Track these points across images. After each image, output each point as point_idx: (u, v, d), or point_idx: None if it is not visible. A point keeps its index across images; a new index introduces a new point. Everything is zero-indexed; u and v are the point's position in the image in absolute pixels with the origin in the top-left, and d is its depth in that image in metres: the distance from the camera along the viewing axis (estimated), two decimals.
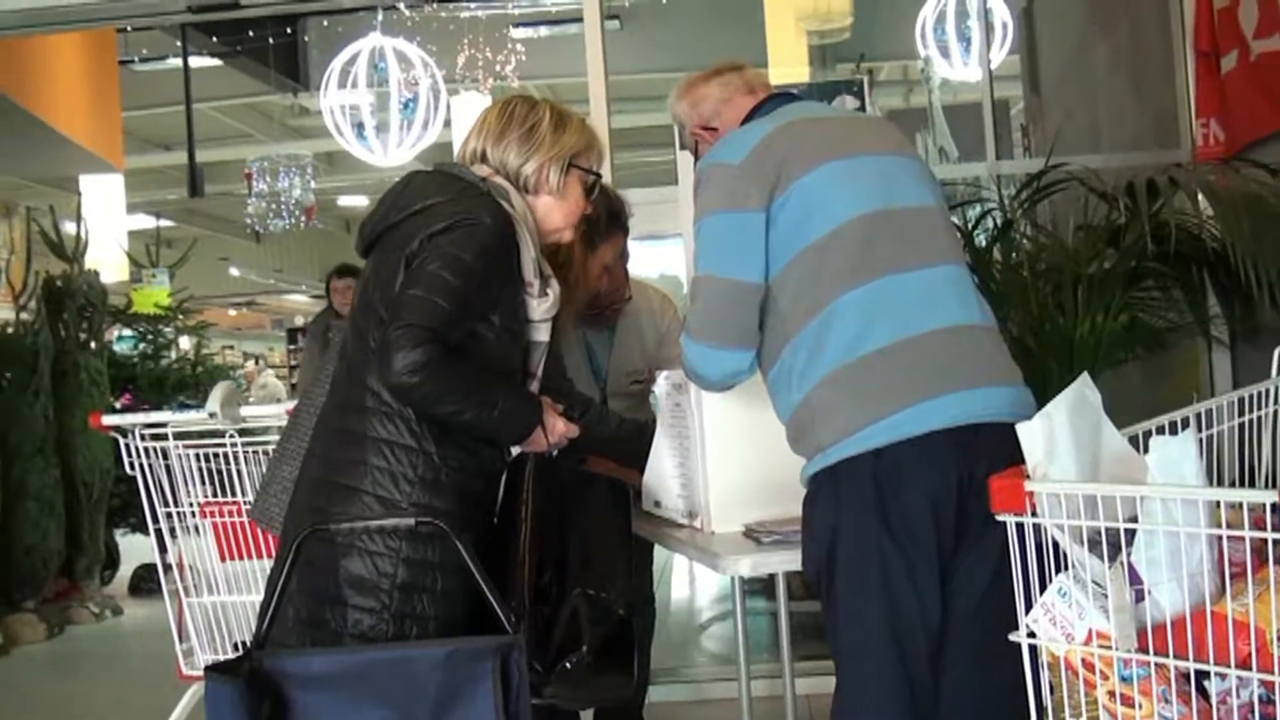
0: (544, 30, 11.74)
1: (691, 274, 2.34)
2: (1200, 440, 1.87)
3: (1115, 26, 5.63)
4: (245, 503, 3.36)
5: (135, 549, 7.79)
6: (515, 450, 2.32)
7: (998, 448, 1.91)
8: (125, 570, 7.84)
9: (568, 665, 2.25)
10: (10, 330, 6.83)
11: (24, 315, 6.94)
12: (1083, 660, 1.59)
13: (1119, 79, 5.60)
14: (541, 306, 2.32)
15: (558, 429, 2.29)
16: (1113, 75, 5.67)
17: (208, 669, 1.88)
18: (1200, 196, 3.92)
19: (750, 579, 5.67)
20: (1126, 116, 5.52)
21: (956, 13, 8.63)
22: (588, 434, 2.48)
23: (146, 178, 16.37)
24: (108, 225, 11.41)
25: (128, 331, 8.71)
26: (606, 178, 4.70)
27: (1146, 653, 1.54)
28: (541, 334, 2.35)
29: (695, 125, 2.49)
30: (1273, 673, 1.45)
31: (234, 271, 23.45)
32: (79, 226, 7.52)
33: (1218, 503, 1.54)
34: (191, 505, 3.50)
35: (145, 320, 8.47)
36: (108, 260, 10.53)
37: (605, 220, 3.12)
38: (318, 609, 2.14)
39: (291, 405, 2.85)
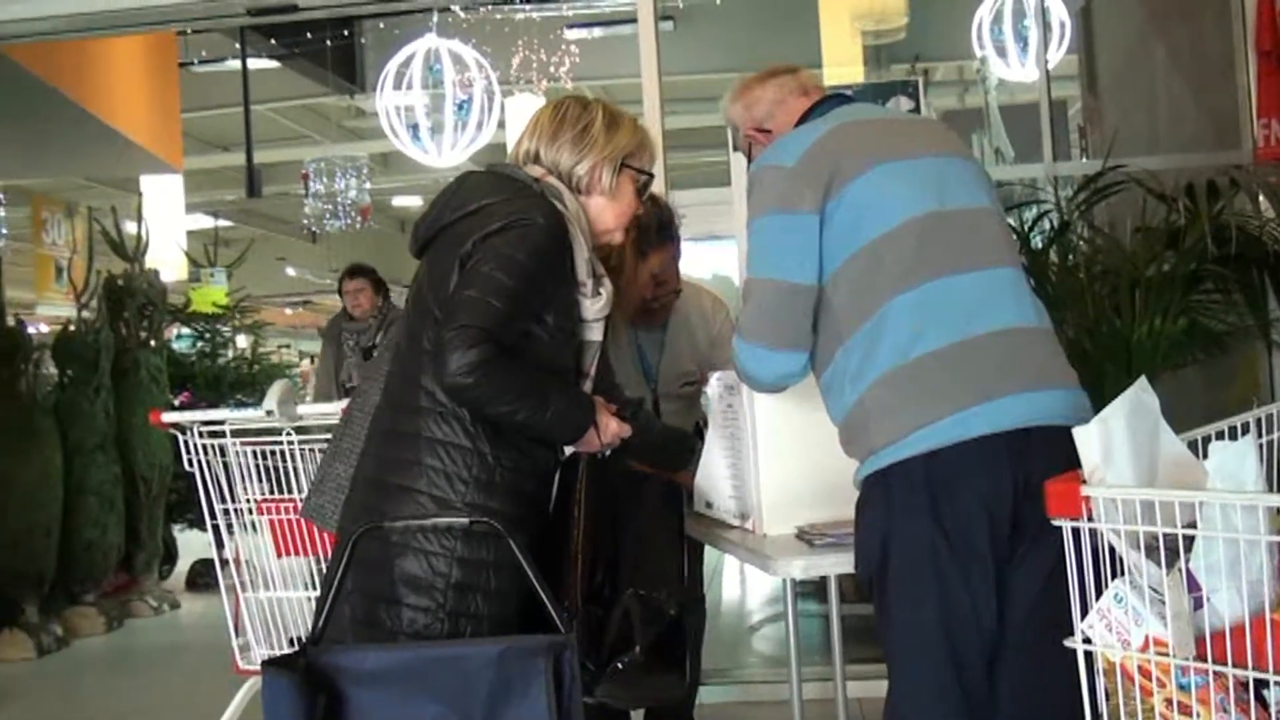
0: (598, 31, 11.77)
1: (744, 276, 2.34)
2: (1260, 445, 1.85)
3: (1175, 26, 5.56)
4: (300, 500, 3.40)
5: (193, 544, 7.91)
6: (569, 450, 2.33)
7: (1053, 452, 1.90)
8: (183, 565, 7.97)
9: (619, 665, 2.25)
10: (72, 328, 6.94)
11: (85, 314, 7.05)
12: (1139, 667, 1.58)
13: (1178, 79, 5.53)
14: (594, 306, 2.33)
15: (610, 429, 2.30)
16: (1172, 75, 5.60)
17: (264, 663, 1.91)
18: (1261, 198, 3.86)
19: (802, 581, 5.68)
20: (1186, 117, 5.45)
21: (1013, 12, 8.54)
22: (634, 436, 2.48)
23: (205, 178, 16.58)
24: (167, 225, 11.58)
25: (186, 330, 8.83)
26: (659, 179, 4.74)
27: (1204, 660, 1.52)
28: (594, 333, 2.35)
29: (749, 127, 2.49)
30: None
31: (290, 271, 23.68)
32: (139, 226, 7.63)
33: (1278, 509, 1.52)
34: (248, 502, 3.55)
35: (203, 319, 8.58)
36: (167, 260, 10.69)
37: (656, 229, 3.16)
38: (373, 608, 2.16)
39: (346, 404, 2.88)
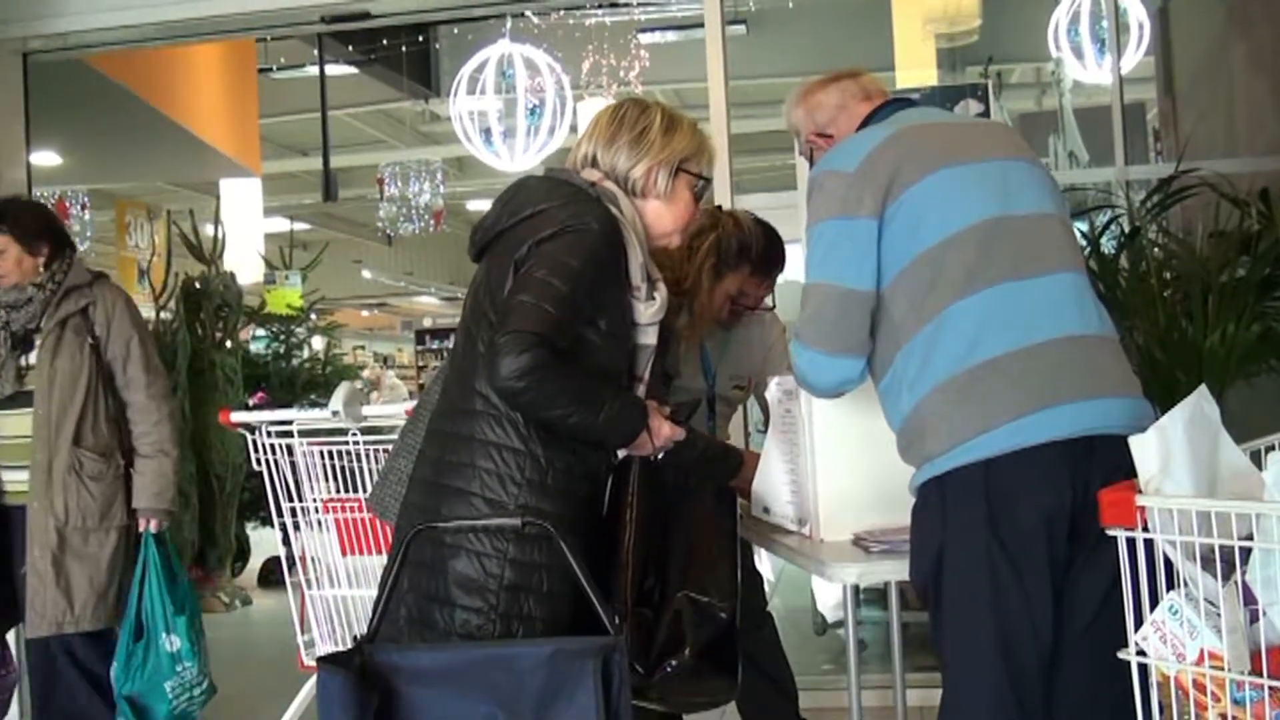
0: (671, 35, 11.78)
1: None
2: None
3: (1256, 27, 5.45)
4: (365, 499, 3.45)
5: (265, 542, 8.03)
6: (621, 453, 2.34)
7: (1114, 461, 1.87)
8: (255, 562, 8.09)
9: (669, 668, 2.26)
10: (150, 329, 7.08)
11: (164, 315, 7.20)
12: (1194, 681, 1.56)
13: (1258, 81, 5.42)
14: (648, 311, 2.33)
15: (663, 432, 2.30)
16: (1252, 77, 5.48)
17: (320, 660, 1.94)
18: None
19: (866, 588, 5.64)
20: (1266, 120, 5.34)
21: (1090, 13, 8.42)
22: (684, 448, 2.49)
23: (284, 182, 16.84)
24: (246, 228, 11.79)
25: (262, 331, 8.98)
26: (725, 183, 4.75)
27: (1260, 675, 1.50)
28: (649, 337, 2.36)
29: (811, 132, 2.48)
30: None
31: (366, 274, 23.99)
32: (216, 229, 7.78)
33: None
34: (315, 501, 3.61)
35: (278, 320, 8.72)
36: (245, 262, 10.88)
37: (735, 252, 3.17)
38: (427, 608, 2.18)
39: (411, 405, 2.92)
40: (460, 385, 2.29)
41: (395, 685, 1.95)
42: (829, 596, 5.49)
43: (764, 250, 3.26)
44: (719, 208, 3.33)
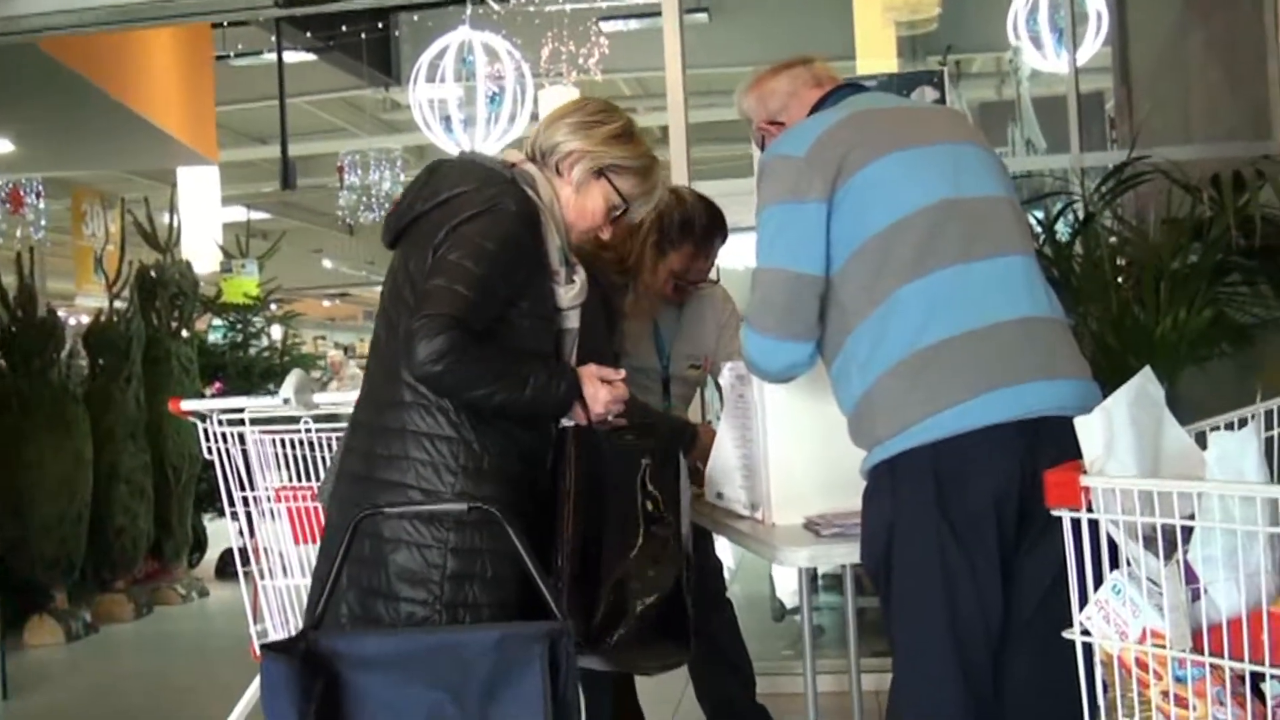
0: (634, 24, 11.75)
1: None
2: (1269, 439, 1.83)
3: (1210, 15, 5.48)
4: (318, 488, 3.41)
5: (222, 533, 7.94)
6: (566, 423, 2.31)
7: (1062, 443, 1.87)
8: (212, 553, 8.03)
9: (611, 640, 2.25)
10: (104, 318, 7.01)
11: (118, 304, 7.13)
12: (1137, 659, 1.56)
13: (1213, 69, 5.46)
14: (569, 294, 2.32)
15: (601, 398, 2.27)
16: (1206, 66, 5.52)
17: (263, 647, 1.92)
18: None
19: (825, 574, 5.65)
20: (1220, 108, 5.38)
21: (1049, 3, 8.45)
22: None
23: (243, 171, 16.70)
24: (204, 217, 11.68)
25: (220, 321, 8.90)
26: (682, 172, 4.73)
27: (1201, 653, 1.50)
28: (571, 321, 2.34)
29: (762, 120, 2.47)
30: None
31: (327, 264, 23.83)
32: (172, 217, 7.69)
33: None
34: (267, 490, 3.57)
35: (234, 309, 8.64)
36: (202, 251, 10.78)
37: (678, 228, 3.15)
38: (370, 603, 2.17)
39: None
40: (385, 376, 2.26)
41: (340, 672, 1.94)
42: (788, 583, 5.50)
43: (706, 225, 3.25)
44: None
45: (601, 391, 2.28)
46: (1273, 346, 4.35)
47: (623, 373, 2.35)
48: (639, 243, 3.11)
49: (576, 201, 2.40)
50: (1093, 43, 8.10)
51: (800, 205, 2.16)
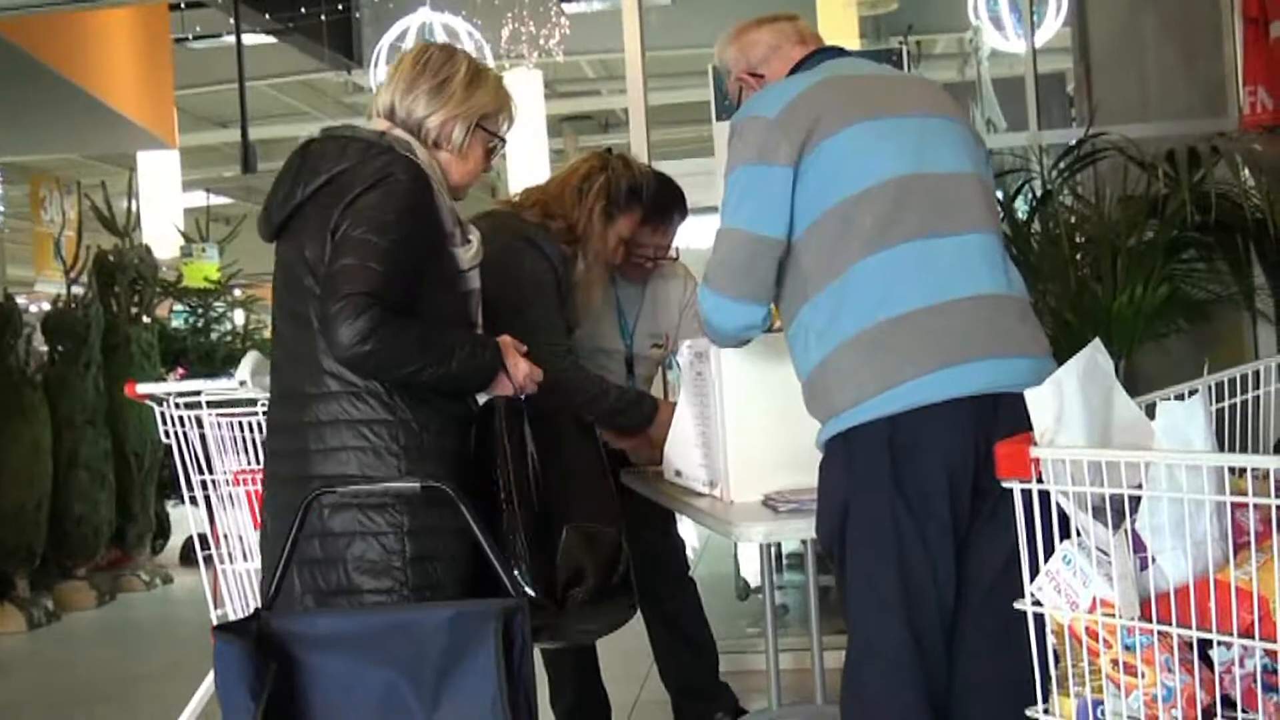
0: (596, 5, 11.71)
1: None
2: (1221, 410, 1.84)
3: None
4: None
5: (186, 519, 7.89)
6: (482, 397, 2.29)
7: (1017, 419, 1.87)
8: (176, 540, 7.96)
9: (576, 597, 2.25)
10: (62, 304, 6.94)
11: (76, 289, 7.05)
12: (1086, 628, 1.57)
13: (1169, 47, 5.49)
14: (467, 255, 2.29)
15: (521, 369, 2.27)
16: (1163, 43, 5.56)
17: (215, 629, 1.90)
18: (1244, 166, 3.83)
19: (790, 552, 5.66)
20: (1177, 85, 5.41)
21: None
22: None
23: (203, 155, 16.53)
24: (164, 201, 11.56)
25: (181, 306, 8.83)
26: (642, 153, 4.72)
27: (1150, 621, 1.51)
28: (474, 282, 2.32)
29: (742, 70, 2.44)
30: (1275, 641, 1.42)
31: None
32: (130, 202, 7.61)
33: (1234, 470, 1.51)
34: (225, 474, 3.54)
35: (195, 294, 8.57)
36: (163, 236, 10.67)
37: (625, 194, 3.12)
38: (333, 602, 2.14)
39: None
40: (302, 371, 2.20)
41: (294, 653, 1.92)
42: (753, 562, 5.52)
43: (656, 193, 3.24)
44: (609, 150, 3.28)
45: (521, 362, 2.28)
46: (1228, 322, 4.39)
47: (524, 347, 2.35)
48: (586, 210, 3.08)
49: (459, 163, 2.37)
50: (1053, 23, 8.13)
51: (767, 168, 2.16)
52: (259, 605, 3.45)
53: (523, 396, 2.29)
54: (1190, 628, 1.49)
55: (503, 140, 2.45)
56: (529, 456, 2.27)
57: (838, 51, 2.41)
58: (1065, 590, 1.60)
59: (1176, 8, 5.43)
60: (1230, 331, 4.46)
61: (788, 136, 2.15)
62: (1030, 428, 1.65)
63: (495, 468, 2.22)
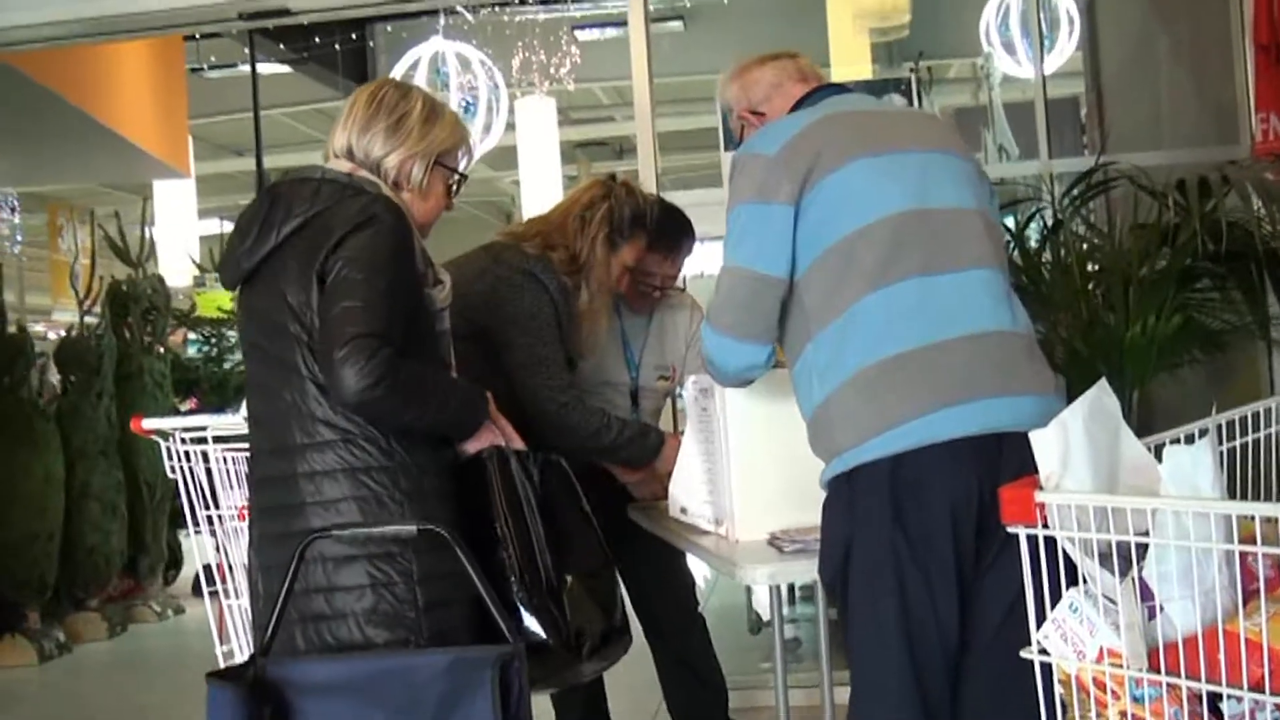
0: (610, 32, 11.75)
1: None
2: (1223, 452, 1.80)
3: (1176, 20, 5.49)
4: None
5: (199, 549, 7.89)
6: (470, 448, 2.26)
7: (1023, 459, 1.84)
8: (188, 570, 7.95)
9: (588, 644, 2.24)
10: (75, 333, 6.96)
11: (89, 319, 7.07)
12: (1094, 679, 1.53)
13: (1180, 74, 5.47)
14: (440, 295, 2.26)
15: (503, 423, 2.27)
16: (1174, 70, 5.53)
17: (209, 675, 1.88)
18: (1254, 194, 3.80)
19: (801, 585, 5.60)
20: (1188, 112, 5.39)
21: (1021, 9, 8.47)
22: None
23: (219, 183, 16.61)
24: (179, 230, 11.60)
25: (194, 335, 8.85)
26: (650, 180, 4.71)
27: (1158, 672, 1.48)
28: (445, 323, 2.29)
29: (743, 109, 2.44)
30: None
31: None
32: (144, 231, 7.64)
33: (1248, 517, 1.47)
34: (231, 509, 3.52)
35: (208, 324, 8.59)
36: (178, 265, 10.71)
37: (629, 221, 3.09)
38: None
39: None
40: (292, 421, 2.13)
41: (290, 699, 1.90)
42: (764, 595, 5.47)
43: (663, 221, 3.21)
44: (612, 176, 3.23)
45: (501, 419, 2.27)
46: (1243, 352, 4.35)
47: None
48: (589, 239, 3.05)
49: (420, 202, 2.32)
50: (1065, 48, 8.12)
51: (767, 206, 2.14)
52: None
53: (505, 448, 2.27)
54: (1200, 680, 1.45)
55: (463, 176, 2.41)
56: (525, 505, 2.25)
57: (839, 88, 2.40)
58: (1072, 639, 1.56)
59: (1188, 34, 5.40)
60: (1246, 361, 4.41)
61: (788, 174, 2.13)
62: (1036, 467, 1.63)
63: (492, 516, 2.20)
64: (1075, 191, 4.14)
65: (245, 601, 3.54)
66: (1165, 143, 5.52)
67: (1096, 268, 4.00)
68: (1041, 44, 5.68)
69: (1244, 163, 4.14)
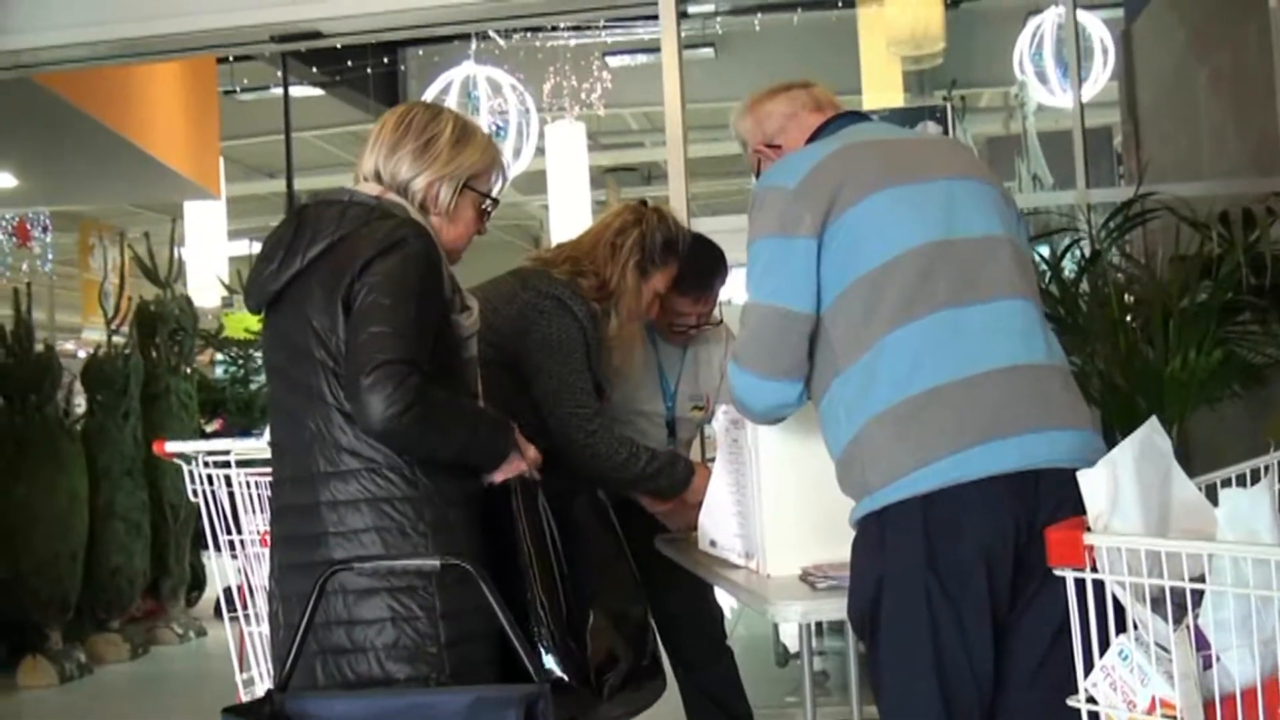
0: (641, 58, 11.79)
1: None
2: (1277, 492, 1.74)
3: (1217, 49, 5.42)
4: None
5: (222, 572, 7.87)
6: (497, 478, 2.21)
7: (1060, 496, 1.81)
8: (211, 592, 7.93)
9: (610, 683, 2.17)
10: (102, 353, 6.96)
11: (116, 339, 7.07)
12: None
13: (1220, 104, 5.39)
14: (467, 321, 2.22)
15: (530, 450, 2.22)
16: (1214, 100, 5.46)
17: (225, 711, 1.83)
18: None
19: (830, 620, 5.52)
20: (1228, 142, 5.30)
21: (1055, 38, 8.43)
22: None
23: (251, 205, 16.71)
24: (208, 251, 11.66)
25: (221, 356, 8.86)
26: (681, 206, 4.67)
27: None
28: (472, 350, 2.25)
29: (759, 143, 2.39)
30: None
31: None
32: (173, 251, 7.66)
33: None
34: (253, 533, 3.49)
35: (235, 345, 8.59)
36: (207, 285, 10.74)
37: (660, 248, 3.04)
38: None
39: None
40: (314, 449, 2.09)
41: None
42: (792, 627, 5.40)
43: (697, 260, 3.17)
44: (643, 202, 3.18)
45: (529, 447, 2.23)
46: None
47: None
48: (620, 265, 3.00)
49: (448, 226, 2.28)
50: (1100, 77, 8.06)
51: (789, 240, 2.08)
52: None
53: (534, 477, 2.22)
54: None
55: (494, 200, 2.36)
56: (548, 537, 2.19)
57: (857, 116, 2.35)
58: (1122, 689, 1.50)
59: (1227, 63, 5.33)
60: None
61: (809, 207, 2.07)
62: (1074, 503, 1.57)
63: (516, 548, 2.14)
64: (1114, 222, 4.07)
65: (266, 628, 3.51)
66: (1204, 173, 5.44)
67: (1134, 299, 3.93)
68: (1079, 72, 5.61)
69: None
